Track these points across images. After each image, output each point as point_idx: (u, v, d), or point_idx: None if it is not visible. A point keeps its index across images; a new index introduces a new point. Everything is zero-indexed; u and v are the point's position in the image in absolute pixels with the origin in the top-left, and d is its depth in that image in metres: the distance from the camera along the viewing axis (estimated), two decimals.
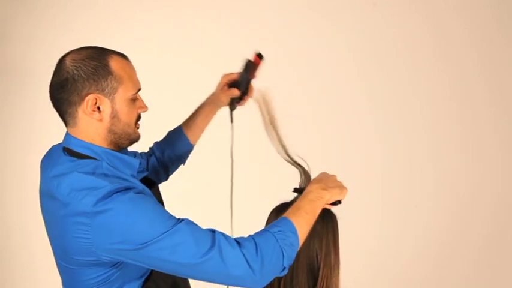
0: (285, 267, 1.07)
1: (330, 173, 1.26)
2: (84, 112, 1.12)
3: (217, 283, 1.07)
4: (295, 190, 1.26)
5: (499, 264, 2.70)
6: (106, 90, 1.12)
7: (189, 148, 1.61)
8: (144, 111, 1.21)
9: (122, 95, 1.13)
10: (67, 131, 1.18)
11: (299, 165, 1.27)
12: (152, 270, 1.21)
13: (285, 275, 1.13)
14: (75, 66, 1.10)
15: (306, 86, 2.64)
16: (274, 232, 1.07)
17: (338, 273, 1.18)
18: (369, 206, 2.65)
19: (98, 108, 1.12)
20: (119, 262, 1.11)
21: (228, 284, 1.07)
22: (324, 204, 1.17)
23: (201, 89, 2.59)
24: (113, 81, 1.12)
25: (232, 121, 1.55)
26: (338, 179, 1.25)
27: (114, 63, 1.13)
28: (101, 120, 1.13)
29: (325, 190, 1.17)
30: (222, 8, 2.58)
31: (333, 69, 2.61)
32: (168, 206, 1.27)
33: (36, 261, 2.63)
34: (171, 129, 1.61)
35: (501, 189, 2.68)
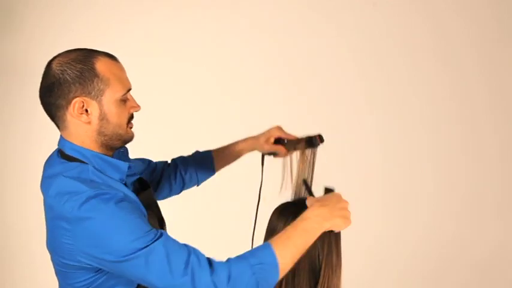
0: None
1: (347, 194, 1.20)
2: (71, 115, 1.12)
3: None
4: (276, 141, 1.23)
5: (499, 264, 2.70)
6: (93, 93, 1.11)
7: (211, 174, 1.60)
8: (136, 111, 1.20)
9: (110, 96, 1.12)
10: (60, 134, 1.19)
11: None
12: None
13: (286, 275, 1.13)
14: (61, 70, 1.10)
15: (305, 86, 2.64)
16: (253, 264, 1.03)
17: (340, 273, 1.18)
18: (369, 206, 2.65)
19: (86, 110, 1.12)
20: (101, 268, 1.11)
21: None
22: (319, 234, 1.10)
23: (201, 88, 2.60)
24: (99, 84, 1.11)
25: (263, 164, 1.53)
26: (346, 203, 1.17)
27: (100, 65, 1.12)
28: (89, 122, 1.13)
29: (325, 221, 1.10)
30: (222, 8, 2.57)
31: (333, 69, 2.61)
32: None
33: (36, 262, 2.63)
34: (201, 150, 1.60)
35: (501, 188, 2.67)
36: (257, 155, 1.55)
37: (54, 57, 1.14)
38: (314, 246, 1.13)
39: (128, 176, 1.22)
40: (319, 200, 1.15)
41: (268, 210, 1.25)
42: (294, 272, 1.14)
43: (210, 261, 1.03)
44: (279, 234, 1.08)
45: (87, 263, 1.07)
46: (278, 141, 1.50)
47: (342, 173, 2.62)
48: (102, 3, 2.55)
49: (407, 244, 2.68)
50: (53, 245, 1.13)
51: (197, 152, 1.60)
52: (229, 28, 2.58)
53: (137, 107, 1.19)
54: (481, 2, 2.57)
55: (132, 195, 1.15)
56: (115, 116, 1.14)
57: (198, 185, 1.61)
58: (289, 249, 1.06)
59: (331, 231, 1.13)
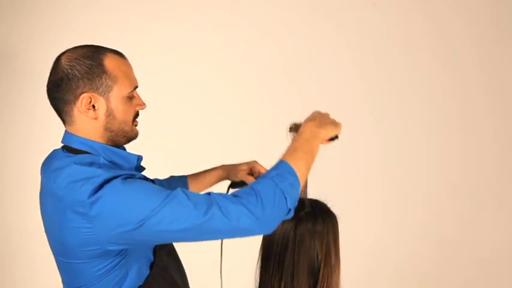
0: (290, 209, 1.07)
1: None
2: (79, 111, 1.14)
3: (228, 238, 1.07)
4: (291, 129, 1.27)
5: (499, 265, 2.70)
6: (100, 89, 1.13)
7: None
8: (142, 109, 1.22)
9: (117, 93, 1.14)
10: (66, 130, 1.20)
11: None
12: (153, 263, 1.22)
13: (286, 275, 1.13)
14: (70, 65, 1.12)
15: (305, 86, 2.64)
16: (272, 176, 1.07)
17: (339, 273, 1.19)
18: (368, 206, 2.66)
19: (93, 106, 1.13)
20: (123, 250, 1.12)
21: (237, 237, 1.07)
22: (320, 142, 1.18)
23: (200, 88, 2.60)
24: (107, 80, 1.13)
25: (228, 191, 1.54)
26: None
27: (108, 62, 1.13)
28: (96, 118, 1.15)
29: (319, 128, 1.18)
30: (222, 8, 2.58)
31: (332, 69, 2.61)
32: None
33: (36, 262, 2.63)
34: (175, 174, 1.61)
35: (501, 189, 2.68)
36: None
37: (63, 53, 1.15)
38: (312, 246, 1.13)
39: (136, 169, 1.23)
40: (306, 120, 1.23)
41: None
42: (293, 271, 1.14)
43: (232, 194, 1.07)
44: (286, 151, 1.14)
45: (112, 243, 1.07)
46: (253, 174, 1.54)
47: (342, 173, 2.62)
48: (102, 3, 2.55)
49: (406, 244, 2.68)
50: (65, 237, 1.11)
51: (172, 177, 1.62)
52: (228, 28, 2.58)
53: (143, 105, 1.21)
54: (481, 2, 2.57)
55: (150, 180, 1.17)
56: (121, 112, 1.16)
57: None
58: (300, 157, 1.11)
59: (334, 139, 1.22)
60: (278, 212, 1.05)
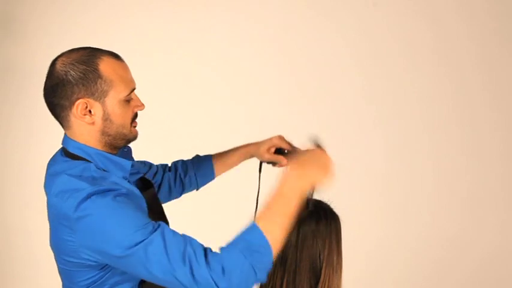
0: (261, 279, 1.04)
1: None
2: (75, 116, 1.12)
3: None
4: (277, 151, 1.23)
5: (500, 265, 2.70)
6: (96, 94, 1.11)
7: (211, 179, 1.60)
8: (140, 110, 1.20)
9: (113, 97, 1.12)
10: (65, 132, 1.19)
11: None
12: None
13: (288, 274, 1.14)
14: (64, 70, 1.10)
15: (306, 85, 2.64)
16: (242, 249, 1.02)
17: (340, 272, 1.19)
18: (370, 207, 2.65)
19: (90, 111, 1.12)
20: (106, 265, 1.11)
21: None
22: (302, 196, 1.08)
23: (200, 88, 2.60)
24: (102, 85, 1.10)
25: (260, 171, 1.50)
26: (334, 165, 1.14)
27: (104, 66, 1.11)
28: (93, 123, 1.13)
29: (300, 179, 1.08)
30: (222, 8, 2.57)
31: (333, 69, 2.61)
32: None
33: (37, 262, 2.63)
34: (201, 154, 1.60)
35: (502, 189, 2.68)
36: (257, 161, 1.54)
37: (58, 57, 1.14)
38: (315, 245, 1.13)
39: (131, 174, 1.22)
40: (296, 160, 1.14)
41: None
42: (295, 270, 1.15)
43: (205, 253, 1.02)
44: (262, 209, 1.06)
45: (91, 259, 1.08)
46: (279, 151, 1.49)
47: (342, 173, 2.61)
48: (102, 4, 2.55)
49: (408, 245, 2.68)
50: (57, 243, 1.13)
51: (197, 156, 1.60)
52: (228, 28, 2.58)
53: (141, 106, 1.19)
54: (481, 2, 2.57)
55: (137, 191, 1.15)
56: (118, 116, 1.14)
57: (197, 189, 1.61)
58: (275, 221, 1.04)
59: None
60: (245, 285, 1.02)
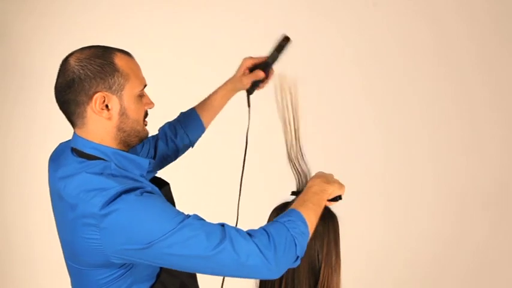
0: (298, 257, 1.06)
1: (329, 171, 1.28)
2: (93, 111, 1.12)
3: (233, 276, 1.06)
4: (293, 193, 1.26)
5: (499, 265, 2.71)
6: (114, 88, 1.11)
7: (202, 130, 1.61)
8: (150, 108, 1.21)
9: (129, 91, 1.13)
10: (75, 132, 1.17)
11: (298, 172, 1.27)
12: (160, 273, 1.21)
13: (287, 274, 1.13)
14: (81, 65, 1.10)
15: (305, 86, 2.63)
16: (285, 221, 1.07)
17: (339, 272, 1.19)
18: (370, 207, 2.66)
19: (107, 106, 1.12)
20: (129, 263, 1.11)
21: (243, 276, 1.05)
22: (327, 197, 1.18)
23: (200, 88, 2.60)
24: (120, 78, 1.11)
25: (249, 105, 1.56)
26: (336, 177, 1.27)
27: (119, 60, 1.12)
28: (110, 118, 1.13)
29: (327, 184, 1.19)
30: (222, 8, 2.58)
31: (333, 70, 2.61)
32: (178, 203, 1.27)
33: (37, 262, 2.63)
34: (183, 110, 1.60)
35: (502, 189, 2.68)
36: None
37: (70, 54, 1.13)
38: (313, 246, 1.13)
39: (148, 172, 1.23)
40: (313, 176, 1.25)
41: (270, 209, 1.25)
42: (294, 272, 1.15)
43: (246, 231, 1.06)
44: (296, 201, 1.15)
45: (117, 257, 1.06)
46: (253, 69, 1.56)
47: (342, 173, 2.61)
48: (102, 4, 2.55)
49: (408, 244, 2.68)
50: (74, 244, 1.11)
51: (181, 113, 1.61)
52: (228, 28, 2.58)
53: (151, 104, 1.21)
54: (481, 2, 2.57)
55: (156, 189, 1.15)
56: (134, 111, 1.15)
57: (192, 147, 1.61)
58: (309, 208, 1.13)
59: (337, 199, 1.23)
60: (287, 257, 1.05)
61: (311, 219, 1.11)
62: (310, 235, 1.10)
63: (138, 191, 1.05)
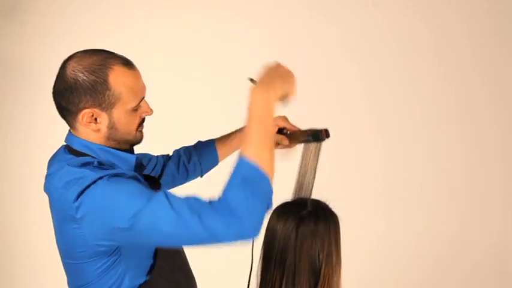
0: (268, 205, 1.02)
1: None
2: (80, 123, 1.14)
3: (208, 246, 1.03)
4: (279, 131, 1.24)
5: (500, 264, 2.71)
6: (103, 105, 1.11)
7: (215, 163, 1.60)
8: (148, 115, 1.21)
9: (120, 108, 1.13)
10: (69, 130, 1.20)
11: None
12: (155, 260, 1.22)
13: (287, 274, 1.14)
14: (74, 78, 1.10)
15: (305, 86, 2.63)
16: (238, 185, 0.99)
17: (340, 272, 1.19)
18: (370, 207, 2.66)
19: (96, 119, 1.13)
20: (116, 249, 1.12)
21: (218, 244, 1.03)
22: (272, 109, 1.07)
23: (200, 88, 2.60)
24: (110, 97, 1.11)
25: None
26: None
27: (114, 78, 1.10)
28: (98, 130, 1.14)
29: (266, 93, 1.07)
30: (222, 8, 2.58)
31: (332, 70, 2.61)
32: None
33: (37, 262, 2.63)
34: (203, 139, 1.61)
35: (502, 189, 2.68)
36: None
37: (70, 58, 1.13)
38: (314, 245, 1.13)
39: (138, 168, 1.23)
40: (259, 77, 1.13)
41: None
42: (294, 271, 1.14)
43: (210, 201, 1.02)
44: (243, 141, 1.05)
45: (101, 243, 1.08)
46: (281, 131, 1.47)
47: (343, 173, 2.62)
48: (102, 4, 2.55)
49: (409, 244, 2.68)
50: (64, 238, 1.14)
51: (199, 142, 1.61)
52: (228, 28, 2.58)
53: (149, 112, 1.20)
54: (481, 2, 2.57)
55: (142, 179, 1.17)
56: (124, 124, 1.15)
57: (201, 176, 1.61)
58: (257, 144, 1.02)
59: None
60: (256, 215, 1.00)
61: (264, 156, 1.01)
62: (271, 172, 1.02)
63: (106, 176, 1.06)
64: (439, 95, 2.63)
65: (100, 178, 1.06)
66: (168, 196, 1.03)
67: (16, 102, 2.59)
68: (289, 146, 1.46)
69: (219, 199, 1.01)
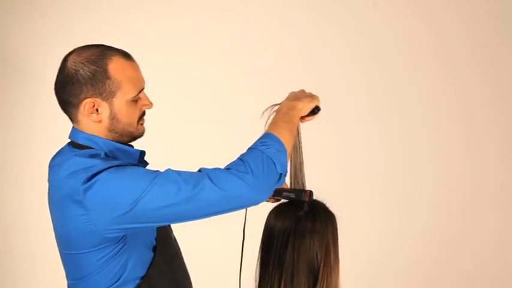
0: (281, 174, 1.09)
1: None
2: (82, 114, 1.16)
3: (224, 211, 1.08)
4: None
5: (500, 263, 2.71)
6: (104, 94, 1.14)
7: None
8: (148, 108, 1.23)
9: (121, 98, 1.15)
10: (73, 125, 1.22)
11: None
12: (155, 253, 1.22)
13: (285, 275, 1.14)
14: (74, 69, 1.13)
15: (305, 86, 2.63)
16: (257, 146, 1.10)
17: (338, 272, 1.19)
18: (370, 206, 2.66)
19: (97, 110, 1.15)
20: (123, 236, 1.13)
21: (233, 208, 1.08)
22: (298, 113, 1.19)
23: (200, 88, 2.60)
24: (111, 86, 1.14)
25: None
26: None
27: (113, 67, 1.14)
28: (100, 121, 1.17)
29: (296, 100, 1.20)
30: (222, 8, 2.57)
31: (333, 70, 2.61)
32: None
33: (37, 261, 2.63)
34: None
35: (502, 188, 2.68)
36: None
37: (71, 53, 1.17)
38: (312, 245, 1.13)
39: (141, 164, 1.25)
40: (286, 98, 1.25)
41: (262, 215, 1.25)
42: (292, 271, 1.15)
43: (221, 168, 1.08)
44: (267, 128, 1.17)
45: (109, 229, 1.09)
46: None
47: (343, 173, 2.62)
48: (102, 4, 2.55)
49: (408, 244, 2.68)
50: (67, 228, 1.14)
51: None
52: (228, 28, 2.58)
53: (149, 105, 1.22)
54: (481, 2, 2.57)
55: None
56: (125, 115, 1.17)
57: None
58: (281, 126, 1.14)
59: (315, 111, 1.25)
60: (269, 178, 1.06)
61: (285, 136, 1.12)
62: (288, 150, 1.11)
63: (115, 166, 1.09)
64: (439, 95, 2.63)
65: (108, 168, 1.08)
66: (176, 170, 1.08)
67: (16, 102, 2.58)
68: (270, 201, 1.40)
69: (236, 160, 1.08)
